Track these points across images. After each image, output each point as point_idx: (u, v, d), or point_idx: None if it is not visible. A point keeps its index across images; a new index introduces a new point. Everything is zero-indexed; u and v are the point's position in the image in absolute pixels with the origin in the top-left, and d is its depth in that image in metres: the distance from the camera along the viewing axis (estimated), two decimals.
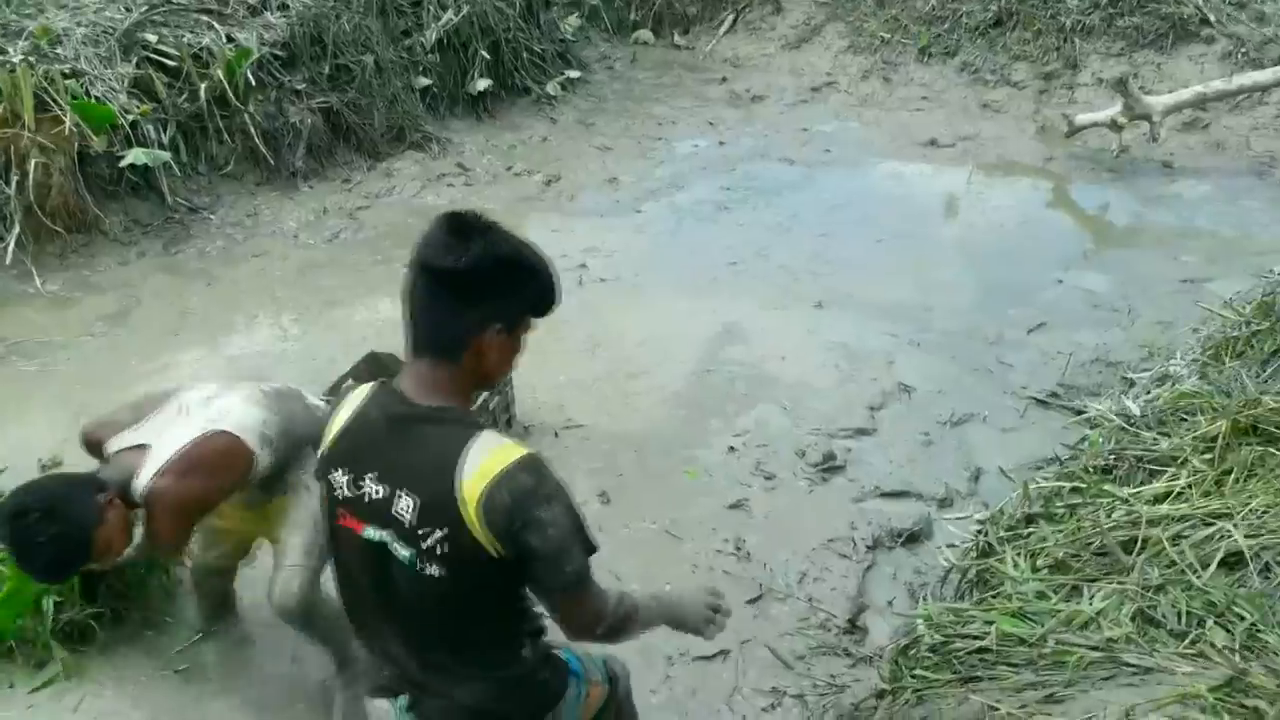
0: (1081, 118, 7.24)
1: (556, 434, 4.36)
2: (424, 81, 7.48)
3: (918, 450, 4.28)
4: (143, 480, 2.44)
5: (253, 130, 6.43)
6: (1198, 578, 2.26)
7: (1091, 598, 2.31)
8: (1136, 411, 3.35)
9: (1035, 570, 2.52)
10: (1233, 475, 2.66)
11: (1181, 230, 6.32)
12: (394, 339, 4.90)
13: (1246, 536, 2.34)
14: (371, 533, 1.67)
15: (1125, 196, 6.82)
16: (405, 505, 1.62)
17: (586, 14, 9.44)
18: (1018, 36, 8.53)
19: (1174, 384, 3.55)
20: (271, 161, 6.54)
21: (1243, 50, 7.98)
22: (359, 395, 1.77)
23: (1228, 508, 2.50)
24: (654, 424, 4.46)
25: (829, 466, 4.18)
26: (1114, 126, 7.05)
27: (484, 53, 7.70)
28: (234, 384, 2.77)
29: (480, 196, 6.76)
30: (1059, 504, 2.89)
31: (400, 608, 1.72)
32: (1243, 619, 2.10)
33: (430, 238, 1.64)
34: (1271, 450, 2.67)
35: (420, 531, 1.61)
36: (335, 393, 4.19)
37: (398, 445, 1.66)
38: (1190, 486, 2.69)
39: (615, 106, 8.45)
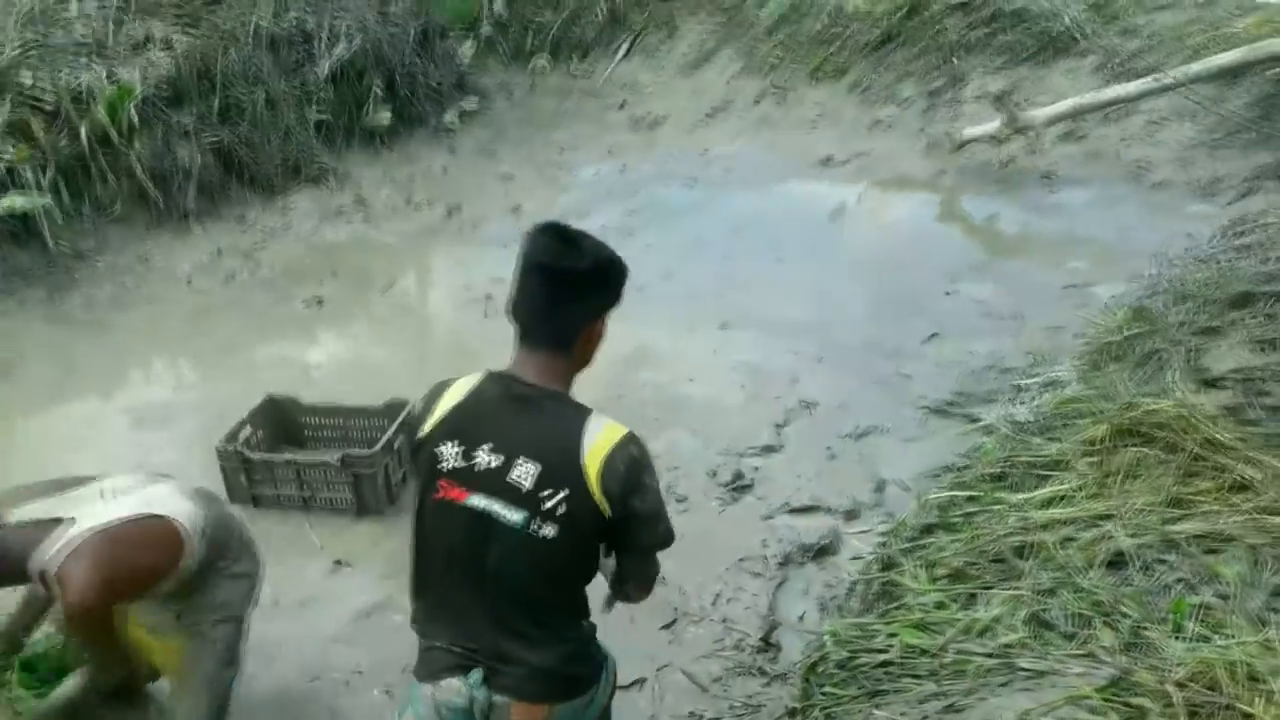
0: (967, 132, 7.52)
1: None
2: (318, 115, 7.38)
3: (823, 464, 4.36)
4: (52, 551, 2.23)
5: (140, 171, 6.25)
6: (1085, 579, 2.35)
7: (988, 604, 2.39)
8: (1026, 418, 3.48)
9: (934, 580, 2.59)
10: (1115, 477, 2.78)
11: (1065, 238, 6.58)
12: (295, 380, 4.85)
13: (1128, 536, 2.45)
14: (476, 500, 1.85)
15: (1011, 207, 7.08)
16: (525, 471, 1.82)
17: (483, 42, 9.43)
18: (904, 55, 8.82)
19: (1060, 389, 3.70)
20: (161, 203, 6.38)
21: (1114, 62, 8.40)
22: (470, 380, 1.95)
23: (1111, 509, 2.61)
24: None
25: (738, 486, 4.23)
26: (997, 139, 7.34)
27: (379, 84, 7.62)
28: (159, 477, 2.60)
29: (380, 230, 6.69)
30: (956, 513, 2.97)
31: (492, 576, 1.88)
32: (1127, 617, 2.19)
33: (543, 245, 1.85)
34: (1149, 451, 2.80)
35: (542, 494, 1.81)
36: (233, 440, 4.09)
37: (519, 420, 1.87)
38: (1077, 489, 2.80)
39: (516, 134, 8.46)
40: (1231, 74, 7.46)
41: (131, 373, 5.11)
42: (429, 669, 1.99)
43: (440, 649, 1.98)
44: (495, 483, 1.84)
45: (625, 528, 1.88)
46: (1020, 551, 2.61)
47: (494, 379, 1.93)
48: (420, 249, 6.51)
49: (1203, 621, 2.18)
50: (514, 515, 1.83)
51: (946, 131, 7.70)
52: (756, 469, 4.32)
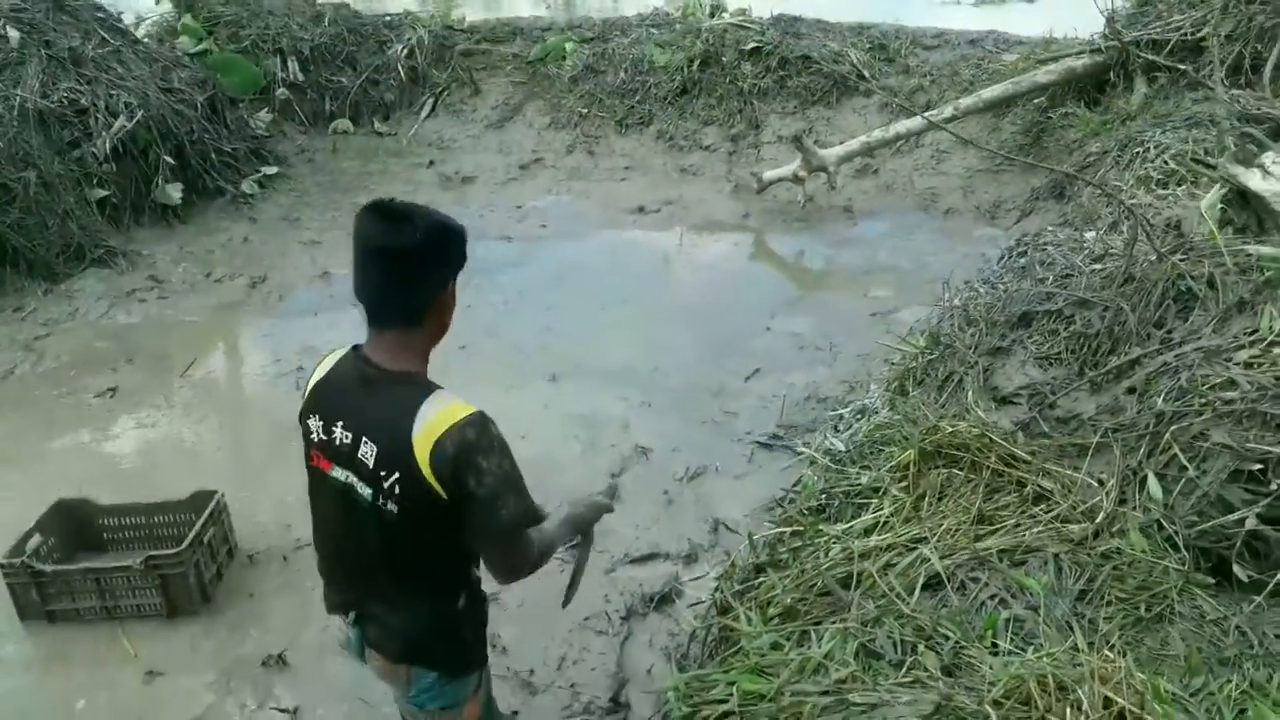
0: (768, 174, 7.84)
1: (285, 558, 4.07)
2: (101, 193, 6.90)
3: (660, 510, 4.37)
4: None
5: None
6: (907, 605, 2.42)
7: (820, 640, 2.42)
8: (841, 448, 3.60)
9: (767, 621, 2.61)
10: (926, 499, 2.90)
11: (868, 268, 6.92)
12: (93, 479, 4.46)
13: (942, 558, 2.55)
14: (338, 473, 1.99)
15: (816, 242, 7.41)
16: (368, 451, 1.92)
17: (279, 108, 9.10)
18: (703, 103, 9.14)
19: (871, 417, 3.84)
20: None
21: (896, 100, 9.00)
22: (333, 358, 2.07)
23: (925, 531, 2.71)
24: None
25: (575, 543, 4.15)
26: (797, 180, 7.68)
27: (168, 157, 7.21)
28: None
29: (177, 309, 6.29)
30: (783, 550, 3.02)
31: (357, 538, 2.02)
32: (948, 639, 2.26)
33: (373, 227, 1.86)
34: (955, 471, 2.94)
35: (380, 474, 1.91)
36: (19, 552, 3.71)
37: (364, 402, 1.95)
38: (893, 515, 2.90)
39: (320, 199, 8.18)
40: (1002, 105, 8.13)
41: None
42: (329, 604, 2.20)
43: (331, 589, 2.19)
44: (350, 459, 1.96)
45: (465, 510, 1.90)
46: (846, 582, 2.67)
47: (350, 358, 2.02)
48: (223, 325, 6.16)
49: (1015, 634, 2.28)
50: (366, 490, 1.95)
51: (752, 173, 8.00)
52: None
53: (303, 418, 2.07)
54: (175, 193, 7.22)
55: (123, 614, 3.75)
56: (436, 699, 2.16)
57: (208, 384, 5.49)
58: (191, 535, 3.75)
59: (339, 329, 6.04)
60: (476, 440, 1.86)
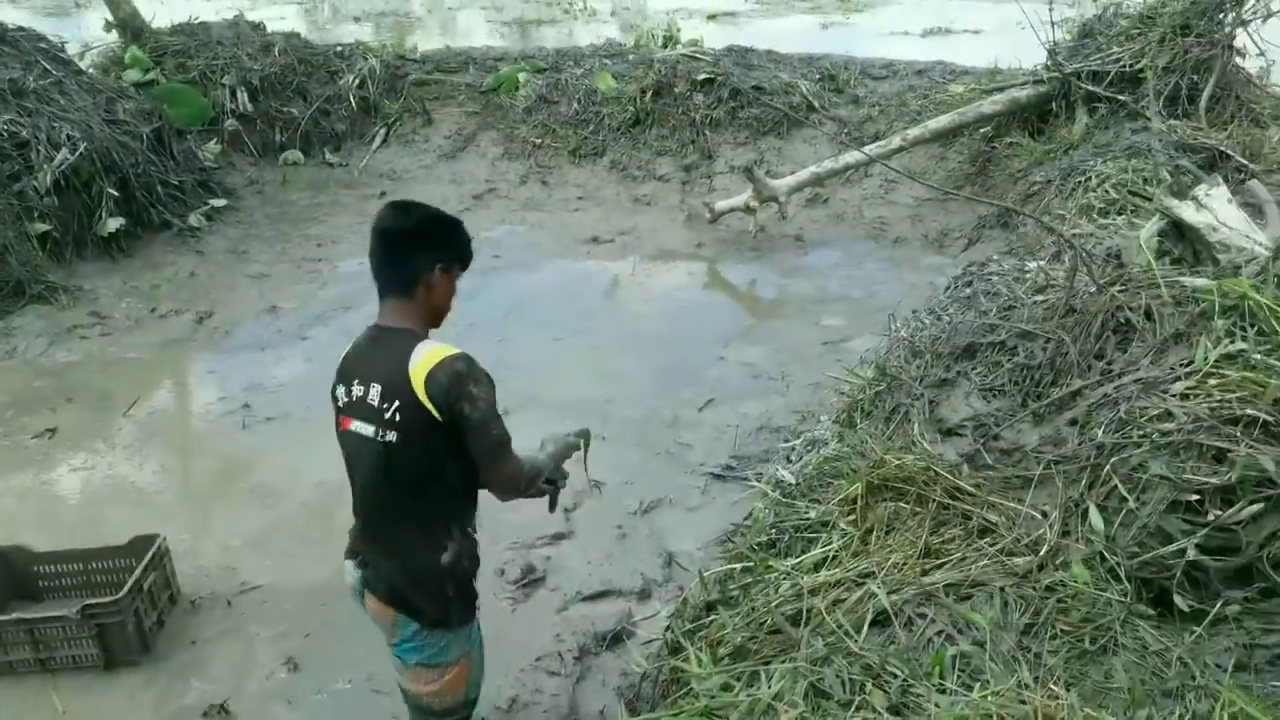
0: (720, 204, 7.89)
1: (230, 603, 3.98)
2: (42, 227, 6.76)
3: (614, 545, 4.33)
4: None
5: None
6: (855, 642, 2.41)
7: (770, 680, 2.40)
8: (791, 480, 3.60)
9: (718, 661, 2.59)
10: (874, 533, 2.90)
11: (819, 297, 6.98)
12: (31, 526, 4.33)
13: (890, 593, 2.55)
14: (356, 425, 2.37)
15: (768, 272, 7.46)
16: (375, 393, 2.31)
17: (227, 139, 8.99)
18: (656, 134, 9.19)
19: (820, 448, 3.85)
20: None
21: (846, 131, 9.12)
22: (353, 341, 2.51)
23: (873, 566, 2.71)
24: (342, 571, 4.18)
25: (529, 580, 4.13)
26: (749, 209, 7.74)
27: (111, 190, 7.09)
28: None
29: (121, 346, 6.15)
30: (733, 586, 3.00)
31: (363, 487, 2.45)
32: (896, 676, 2.26)
33: (382, 213, 2.41)
34: (902, 504, 2.95)
35: (382, 406, 2.30)
36: None
37: (373, 355, 2.38)
38: (842, 549, 2.90)
39: (269, 231, 8.08)
40: (949, 135, 8.28)
41: None
42: (347, 551, 2.60)
43: (351, 537, 2.59)
44: (362, 408, 2.34)
45: (460, 431, 2.30)
46: (796, 619, 2.66)
47: (367, 331, 2.46)
48: (168, 362, 6.03)
49: (963, 671, 2.28)
50: (369, 429, 2.33)
51: (704, 203, 8.04)
52: (548, 558, 4.24)
53: (332, 392, 2.46)
54: (113, 224, 7.06)
55: (58, 666, 3.63)
56: (416, 652, 2.50)
57: (151, 423, 5.37)
58: (130, 582, 3.65)
59: (287, 363, 5.96)
60: (467, 371, 2.27)
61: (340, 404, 2.42)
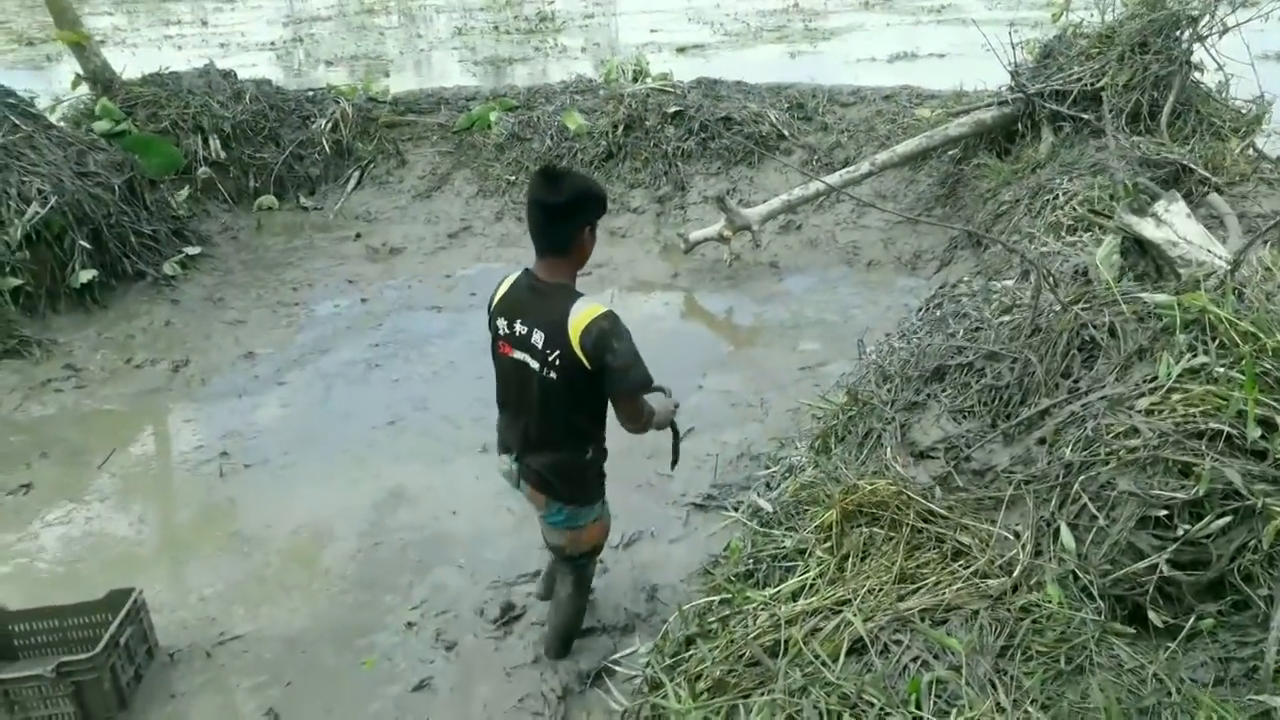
0: (694, 235, 7.93)
1: (209, 654, 3.93)
2: (14, 281, 6.73)
3: (596, 579, 4.30)
4: None
5: None
6: (831, 672, 2.40)
7: (749, 714, 2.39)
8: (768, 509, 3.60)
9: (697, 696, 2.57)
10: (850, 559, 2.90)
11: (795, 323, 7.01)
12: (2, 584, 4.27)
13: (865, 620, 2.54)
14: (518, 354, 3.07)
15: (744, 300, 7.49)
16: (539, 337, 2.98)
17: (201, 186, 8.98)
18: (629, 166, 9.24)
19: (797, 475, 3.86)
20: None
21: (816, 158, 9.21)
22: (508, 280, 3.17)
23: (849, 593, 2.71)
24: (322, 617, 4.16)
25: (510, 618, 4.10)
26: (723, 239, 7.79)
27: (83, 242, 7.06)
28: None
29: (96, 398, 6.11)
30: (712, 618, 2.99)
31: (526, 401, 3.14)
32: (872, 705, 2.25)
33: (535, 185, 2.93)
34: (876, 529, 2.96)
35: (545, 350, 2.97)
36: None
37: (535, 303, 3.02)
38: (818, 577, 2.90)
39: (244, 277, 8.06)
40: (918, 158, 8.37)
41: None
42: (500, 446, 3.40)
43: (502, 436, 3.37)
44: (526, 344, 3.02)
45: (604, 377, 2.98)
46: (774, 650, 2.65)
47: (522, 277, 3.10)
48: (144, 413, 6.00)
49: (939, 697, 2.28)
50: (535, 364, 3.01)
51: (679, 234, 8.09)
52: (529, 595, 4.21)
53: (492, 321, 3.15)
54: (86, 275, 7.03)
55: None
56: (564, 522, 3.35)
57: (127, 475, 5.33)
58: (106, 638, 3.61)
59: (264, 409, 5.93)
60: (611, 328, 2.92)
61: (501, 333, 3.09)
